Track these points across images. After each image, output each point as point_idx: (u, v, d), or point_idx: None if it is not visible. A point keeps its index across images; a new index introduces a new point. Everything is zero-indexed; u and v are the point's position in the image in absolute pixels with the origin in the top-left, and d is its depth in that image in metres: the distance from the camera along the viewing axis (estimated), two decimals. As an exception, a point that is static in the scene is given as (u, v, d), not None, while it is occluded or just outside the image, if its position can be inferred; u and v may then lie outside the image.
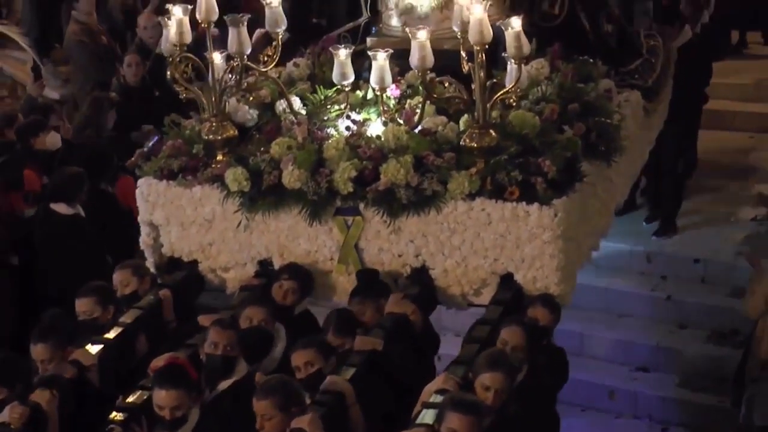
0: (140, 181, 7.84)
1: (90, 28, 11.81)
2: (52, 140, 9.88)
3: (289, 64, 8.66)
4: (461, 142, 7.22)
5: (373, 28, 8.89)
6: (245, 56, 7.35)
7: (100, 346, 6.78)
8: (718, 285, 10.57)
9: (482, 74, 6.99)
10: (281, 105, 8.07)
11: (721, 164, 12.20)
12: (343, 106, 7.86)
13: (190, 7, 7.38)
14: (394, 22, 8.59)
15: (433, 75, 7.32)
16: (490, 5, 7.80)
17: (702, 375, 9.98)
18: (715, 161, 12.28)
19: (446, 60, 7.58)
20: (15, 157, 9.80)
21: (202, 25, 7.41)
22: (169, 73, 7.45)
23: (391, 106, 7.79)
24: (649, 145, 9.51)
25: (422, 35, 7.00)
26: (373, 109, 7.94)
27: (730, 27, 14.23)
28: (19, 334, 8.60)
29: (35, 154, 9.76)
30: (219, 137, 7.59)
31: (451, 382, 6.18)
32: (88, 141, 10.28)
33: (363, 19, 8.93)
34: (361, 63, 8.05)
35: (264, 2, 7.58)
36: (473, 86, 7.16)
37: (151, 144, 9.06)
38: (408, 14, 8.51)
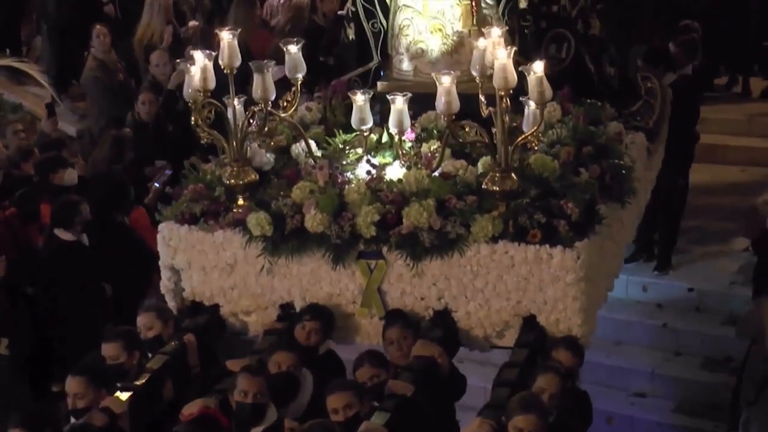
0: (161, 226, 7.59)
1: (106, 64, 11.74)
2: (70, 176, 9.83)
3: (301, 108, 8.44)
4: (483, 186, 7.04)
5: (382, 72, 8.69)
6: (269, 102, 7.13)
7: (130, 393, 6.51)
8: (712, 313, 10.60)
9: (506, 118, 6.82)
10: (297, 149, 7.86)
11: (715, 196, 12.22)
12: (360, 150, 7.64)
13: (213, 53, 7.15)
14: (405, 66, 8.45)
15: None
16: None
17: (697, 401, 9.96)
18: (709, 193, 12.28)
19: (462, 103, 7.39)
20: (32, 191, 9.81)
21: (225, 71, 7.17)
22: (192, 119, 7.21)
23: (408, 149, 7.58)
24: (651, 184, 9.36)
25: (447, 81, 6.83)
26: (388, 153, 7.75)
27: (717, 70, 14.19)
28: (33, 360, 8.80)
29: (52, 188, 9.71)
30: (240, 182, 7.37)
31: (486, 427, 6.00)
32: (103, 174, 10.24)
33: (373, 63, 8.74)
34: (372, 106, 7.83)
35: (284, 48, 7.39)
36: (493, 129, 6.99)
37: (163, 179, 9.12)
38: (418, 58, 8.39)
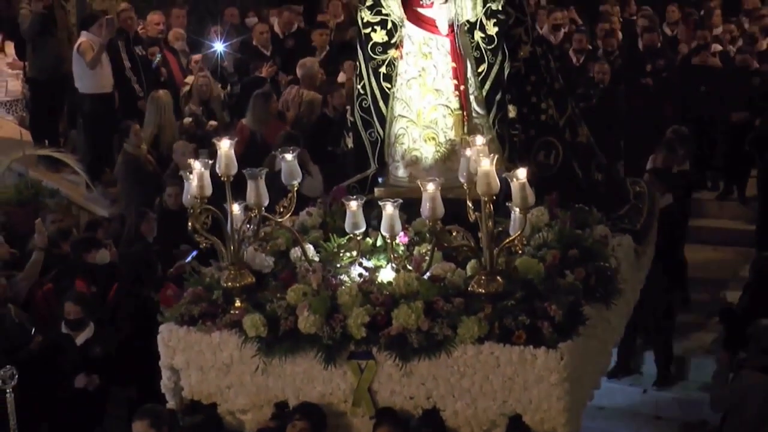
0: (162, 327, 7.29)
1: (137, 157, 11.75)
2: (102, 256, 10.02)
3: (303, 213, 8.20)
4: (469, 288, 6.73)
5: (380, 179, 8.43)
6: (263, 208, 6.85)
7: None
8: (689, 380, 10.84)
9: (490, 223, 6.52)
10: (296, 252, 7.57)
11: (690, 273, 12.04)
12: (354, 254, 7.34)
13: (210, 161, 6.90)
14: (401, 173, 8.21)
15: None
16: (491, 156, 7.49)
17: (677, 462, 10.09)
18: (685, 270, 12.36)
19: (450, 208, 7.13)
20: (68, 268, 10.01)
21: (222, 179, 6.91)
22: (189, 224, 6.93)
23: (400, 252, 7.29)
24: (640, 284, 8.99)
25: (431, 187, 6.58)
26: (382, 256, 7.45)
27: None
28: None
29: (86, 267, 9.92)
30: (237, 284, 7.06)
31: None
32: (132, 252, 10.43)
33: (371, 170, 8.47)
34: (370, 212, 7.56)
35: (279, 156, 7.14)
36: (479, 234, 6.70)
37: (188, 259, 9.23)
38: (413, 165, 8.16)
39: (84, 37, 12.80)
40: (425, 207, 6.60)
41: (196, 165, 6.83)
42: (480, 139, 6.88)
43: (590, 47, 14.46)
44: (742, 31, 14.77)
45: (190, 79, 13.24)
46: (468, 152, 6.96)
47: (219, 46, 13.70)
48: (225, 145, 6.87)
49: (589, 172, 8.65)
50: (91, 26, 12.78)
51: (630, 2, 16.41)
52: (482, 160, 6.50)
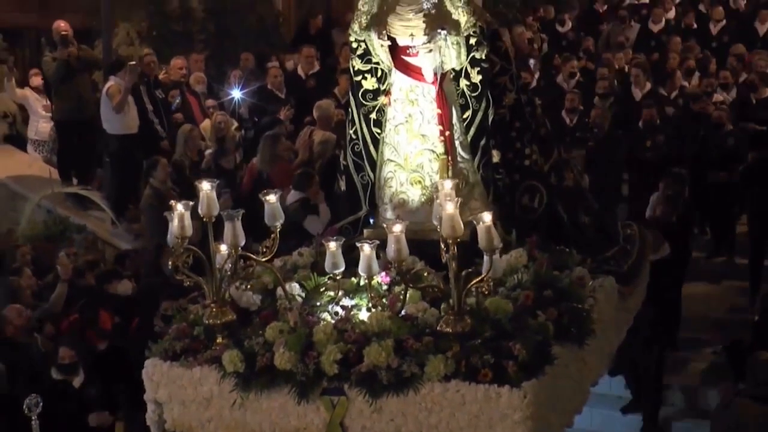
0: (147, 362, 7.39)
1: (162, 192, 12.02)
2: (124, 287, 10.53)
3: (295, 253, 8.28)
4: (438, 327, 6.76)
5: (370, 220, 8.51)
6: (239, 248, 6.96)
7: None
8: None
9: (455, 265, 6.56)
10: (281, 291, 7.65)
11: (685, 306, 12.14)
12: (335, 293, 7.42)
13: (191, 203, 7.03)
14: (389, 214, 8.26)
15: (420, 264, 7.07)
16: (475, 200, 7.57)
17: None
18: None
19: (433, 249, 7.17)
20: (92, 300, 10.45)
21: (204, 220, 7.03)
22: (170, 263, 7.06)
23: (381, 292, 7.35)
24: (627, 324, 8.95)
25: (397, 229, 6.64)
26: (364, 295, 7.49)
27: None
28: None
29: (109, 297, 10.44)
30: (218, 322, 7.16)
31: None
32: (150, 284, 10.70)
33: (362, 212, 8.56)
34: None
35: (263, 198, 7.25)
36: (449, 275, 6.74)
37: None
38: (400, 208, 8.20)
39: (112, 81, 13.12)
40: (391, 248, 6.67)
41: (178, 207, 6.95)
42: (448, 183, 6.94)
43: (582, 107, 14.43)
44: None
45: (208, 121, 13.49)
46: (441, 196, 7.01)
47: (236, 93, 13.95)
48: (206, 187, 7.01)
49: (575, 215, 8.66)
50: (119, 71, 13.11)
51: (628, 51, 16.47)
52: (446, 203, 6.55)
